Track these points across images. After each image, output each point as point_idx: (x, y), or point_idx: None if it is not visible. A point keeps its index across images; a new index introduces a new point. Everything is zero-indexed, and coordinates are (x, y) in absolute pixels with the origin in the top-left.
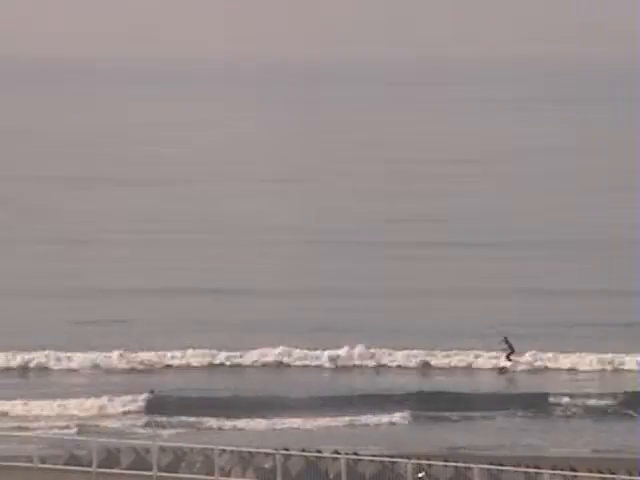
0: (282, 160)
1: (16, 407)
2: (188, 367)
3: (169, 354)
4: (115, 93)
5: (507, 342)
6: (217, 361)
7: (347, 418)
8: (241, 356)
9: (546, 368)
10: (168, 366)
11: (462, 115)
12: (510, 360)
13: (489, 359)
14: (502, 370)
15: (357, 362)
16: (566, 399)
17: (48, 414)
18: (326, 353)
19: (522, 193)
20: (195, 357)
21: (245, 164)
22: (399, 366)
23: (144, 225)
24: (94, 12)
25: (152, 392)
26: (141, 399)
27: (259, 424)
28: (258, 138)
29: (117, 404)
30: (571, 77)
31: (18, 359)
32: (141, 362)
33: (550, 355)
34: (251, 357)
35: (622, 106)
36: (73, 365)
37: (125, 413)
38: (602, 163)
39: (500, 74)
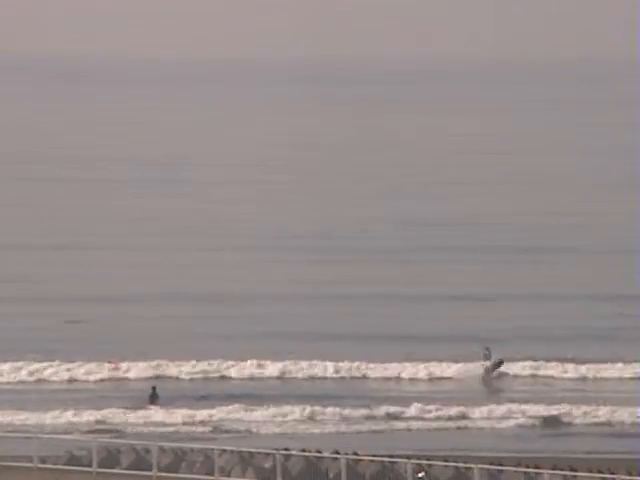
0: (280, 162)
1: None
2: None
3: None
4: (113, 93)
5: (487, 352)
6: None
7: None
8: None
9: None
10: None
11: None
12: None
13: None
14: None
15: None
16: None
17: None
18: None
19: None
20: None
21: (243, 166)
22: None
23: (141, 228)
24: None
25: (154, 388)
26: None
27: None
28: (256, 139)
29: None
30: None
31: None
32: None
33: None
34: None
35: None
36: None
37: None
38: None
39: (500, 75)
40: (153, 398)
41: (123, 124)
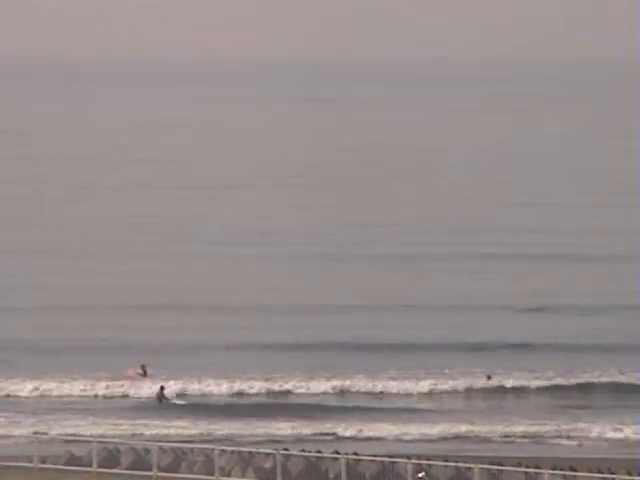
0: (280, 163)
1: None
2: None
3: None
4: (115, 94)
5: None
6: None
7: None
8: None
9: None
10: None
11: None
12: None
13: None
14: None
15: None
16: None
17: None
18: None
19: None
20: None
21: (243, 168)
22: None
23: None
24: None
25: (162, 388)
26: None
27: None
28: (256, 142)
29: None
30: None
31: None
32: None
33: None
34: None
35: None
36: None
37: None
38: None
39: (501, 74)
40: (161, 397)
41: (120, 124)
